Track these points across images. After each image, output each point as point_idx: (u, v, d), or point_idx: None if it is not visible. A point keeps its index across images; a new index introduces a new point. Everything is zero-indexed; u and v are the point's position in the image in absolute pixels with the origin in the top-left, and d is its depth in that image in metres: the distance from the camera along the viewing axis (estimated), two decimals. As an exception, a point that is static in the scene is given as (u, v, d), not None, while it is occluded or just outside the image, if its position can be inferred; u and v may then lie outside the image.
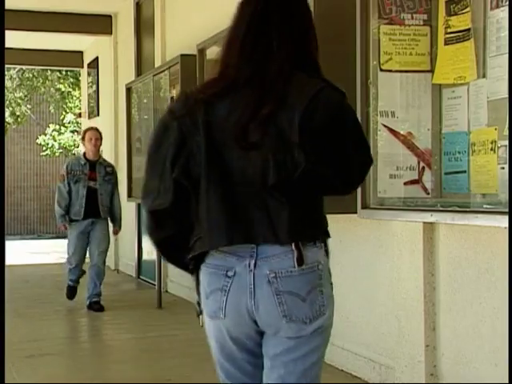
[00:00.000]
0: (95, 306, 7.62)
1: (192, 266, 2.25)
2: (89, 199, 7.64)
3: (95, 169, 7.74)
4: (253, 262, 2.13)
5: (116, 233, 8.15)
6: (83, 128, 15.63)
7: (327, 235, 2.22)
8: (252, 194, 2.13)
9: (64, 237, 22.16)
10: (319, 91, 2.11)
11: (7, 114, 18.96)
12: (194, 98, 2.22)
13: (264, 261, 2.12)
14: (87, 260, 7.91)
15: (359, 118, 3.91)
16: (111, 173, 7.91)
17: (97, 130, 8.01)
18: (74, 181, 7.64)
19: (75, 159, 8.01)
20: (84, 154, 7.87)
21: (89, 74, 14.18)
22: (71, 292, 7.99)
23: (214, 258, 2.18)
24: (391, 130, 3.90)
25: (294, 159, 2.07)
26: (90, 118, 14.17)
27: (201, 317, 2.29)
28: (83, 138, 7.88)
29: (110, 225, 8.01)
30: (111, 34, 11.95)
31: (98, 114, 13.39)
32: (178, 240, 2.24)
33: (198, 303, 2.27)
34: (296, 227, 2.12)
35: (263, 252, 2.12)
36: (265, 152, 2.10)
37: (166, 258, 2.35)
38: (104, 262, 7.83)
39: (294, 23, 2.21)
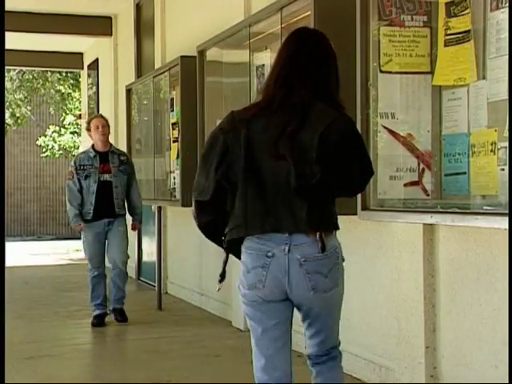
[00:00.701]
0: (119, 317, 7.00)
1: (226, 246, 2.94)
2: (102, 195, 6.84)
3: (108, 159, 6.93)
4: (287, 247, 2.81)
5: (135, 228, 7.37)
6: (83, 129, 15.69)
7: (338, 227, 2.94)
8: (279, 195, 2.81)
9: (68, 238, 22.02)
10: (333, 121, 2.82)
11: (7, 115, 18.94)
12: (239, 117, 2.91)
13: (296, 247, 2.81)
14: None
15: (359, 120, 3.95)
16: (126, 162, 7.08)
17: (102, 116, 7.30)
18: (83, 176, 6.85)
19: (83, 153, 7.12)
20: (93, 145, 7.03)
21: (89, 76, 14.19)
22: (99, 320, 6.95)
23: (254, 242, 2.86)
24: (391, 132, 3.90)
25: (311, 170, 2.78)
26: (90, 119, 14.18)
27: (219, 284, 3.02)
28: (89, 129, 7.04)
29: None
30: (111, 35, 11.96)
31: (98, 116, 13.38)
32: (216, 224, 2.95)
33: (222, 274, 2.99)
34: (313, 221, 2.81)
35: (295, 240, 2.81)
36: (290, 162, 2.78)
37: (206, 237, 3.03)
38: (126, 263, 7.13)
39: (317, 65, 2.90)
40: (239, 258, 2.94)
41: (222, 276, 3.00)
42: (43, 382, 5.02)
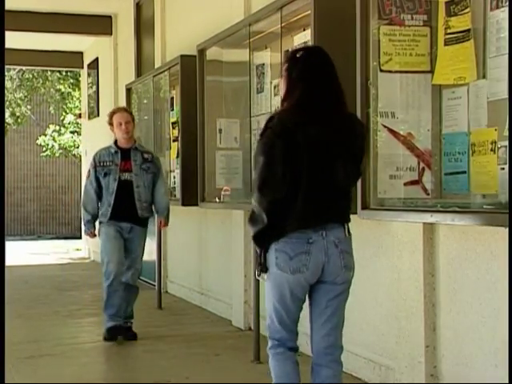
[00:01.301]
0: (128, 333, 6.26)
1: (269, 239, 3.29)
2: (122, 195, 6.16)
3: (129, 157, 6.25)
4: (324, 232, 3.28)
5: (162, 225, 6.64)
6: (83, 128, 15.69)
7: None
8: (330, 192, 3.28)
9: (68, 237, 22.01)
10: (359, 124, 3.42)
11: (7, 114, 18.94)
12: (291, 123, 3.22)
13: (330, 231, 3.30)
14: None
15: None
16: (150, 160, 6.34)
17: (125, 110, 6.63)
18: (103, 174, 6.21)
19: (105, 149, 6.40)
20: (115, 141, 6.36)
21: (89, 75, 14.19)
22: (112, 334, 6.19)
23: (294, 232, 3.25)
24: (391, 131, 3.90)
25: (358, 169, 3.37)
26: (90, 118, 14.18)
27: (263, 274, 3.35)
28: (111, 124, 6.34)
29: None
30: (111, 34, 11.96)
31: (98, 115, 13.39)
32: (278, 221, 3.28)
33: (264, 264, 3.32)
34: (346, 213, 3.41)
35: (328, 226, 3.30)
36: (341, 163, 3.25)
37: (260, 234, 3.31)
38: (136, 279, 6.40)
39: (333, 76, 3.35)
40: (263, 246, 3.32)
41: (264, 266, 3.32)
42: (43, 381, 5.02)
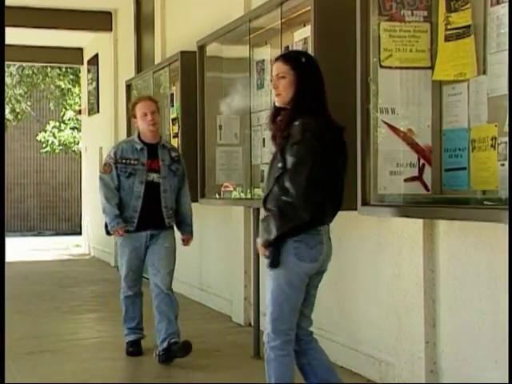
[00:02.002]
0: (179, 353, 5.25)
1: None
2: (148, 200, 5.33)
3: (157, 155, 5.39)
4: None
5: (187, 242, 5.64)
6: (83, 124, 15.68)
7: None
8: (338, 187, 3.55)
9: (68, 233, 22.05)
10: None
11: (7, 110, 18.95)
12: (323, 127, 3.43)
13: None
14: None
15: (359, 115, 3.96)
16: (178, 160, 5.50)
17: (150, 98, 5.63)
18: (126, 174, 5.34)
19: (127, 142, 5.53)
20: (139, 134, 5.46)
21: (89, 71, 14.18)
22: (135, 348, 5.60)
23: (316, 226, 3.51)
24: (391, 127, 3.90)
25: (345, 167, 3.64)
26: (90, 114, 14.18)
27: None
28: (134, 115, 5.46)
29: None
30: (111, 30, 11.95)
31: (98, 111, 13.39)
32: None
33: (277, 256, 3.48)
34: None
35: None
36: (341, 161, 3.56)
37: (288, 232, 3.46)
38: (170, 286, 5.46)
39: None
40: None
41: (279, 259, 3.47)
42: (43, 378, 5.03)
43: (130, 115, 5.68)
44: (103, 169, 5.47)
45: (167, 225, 5.42)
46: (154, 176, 5.35)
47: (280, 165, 3.43)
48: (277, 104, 3.58)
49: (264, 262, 5.28)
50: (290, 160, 3.38)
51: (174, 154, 5.50)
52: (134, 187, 5.32)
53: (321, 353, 3.70)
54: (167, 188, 5.38)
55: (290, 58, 3.58)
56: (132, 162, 5.35)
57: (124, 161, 5.35)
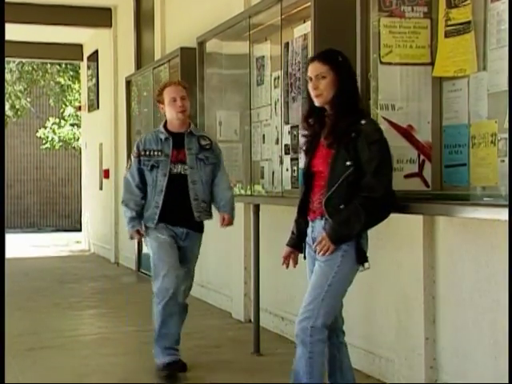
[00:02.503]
0: (175, 365, 4.84)
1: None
2: (174, 194, 4.86)
3: (183, 144, 4.93)
4: None
5: (226, 222, 5.08)
6: (83, 120, 15.66)
7: None
8: None
9: (68, 229, 22.04)
10: None
11: (7, 107, 18.93)
12: None
13: None
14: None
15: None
16: (208, 148, 5.01)
17: (180, 83, 5.08)
18: (149, 166, 4.90)
19: (151, 133, 5.08)
20: (165, 124, 5.02)
21: (88, 67, 14.17)
22: (172, 371, 4.84)
23: None
24: (391, 123, 3.89)
25: None
26: (89, 111, 14.17)
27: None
28: (160, 101, 4.98)
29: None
30: (111, 26, 11.94)
31: (98, 107, 13.39)
32: None
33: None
34: None
35: None
36: None
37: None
38: (187, 295, 5.09)
39: None
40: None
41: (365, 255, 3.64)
42: (44, 374, 5.03)
43: (155, 101, 5.18)
44: (127, 166, 5.12)
45: (197, 219, 4.92)
46: (181, 168, 4.89)
47: (348, 163, 3.45)
48: (316, 104, 3.60)
49: (265, 259, 5.27)
50: (370, 157, 3.42)
51: (203, 142, 4.99)
52: (157, 181, 4.86)
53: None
54: (196, 179, 4.89)
55: (328, 57, 3.60)
56: (155, 153, 4.90)
57: (147, 152, 4.92)
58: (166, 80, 5.30)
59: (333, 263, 3.51)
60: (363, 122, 3.47)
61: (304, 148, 3.77)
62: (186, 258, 4.97)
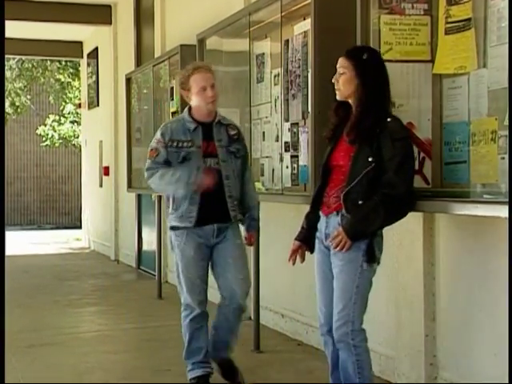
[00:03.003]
0: (226, 372, 4.51)
1: None
2: (208, 190, 4.31)
3: (212, 135, 4.42)
4: None
5: (251, 241, 4.67)
6: (83, 118, 15.65)
7: None
8: None
9: (68, 227, 22.02)
10: None
11: (7, 104, 18.92)
12: None
13: None
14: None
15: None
16: (238, 138, 4.52)
17: (208, 68, 4.54)
18: (179, 158, 4.34)
19: (176, 122, 4.51)
20: (189, 110, 4.47)
21: (88, 65, 14.17)
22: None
23: None
24: (391, 120, 3.89)
25: None
26: (89, 108, 14.17)
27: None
28: (186, 88, 4.43)
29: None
30: (111, 24, 11.94)
31: (98, 105, 13.38)
32: None
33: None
34: None
35: None
36: None
37: None
38: (247, 296, 4.58)
39: None
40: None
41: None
42: (43, 372, 5.04)
43: (181, 88, 4.52)
44: (149, 155, 4.44)
45: (232, 217, 4.41)
46: (211, 161, 4.36)
47: (370, 159, 3.45)
48: (337, 98, 3.64)
49: (265, 257, 5.25)
50: (394, 154, 3.43)
51: (232, 132, 4.48)
52: (190, 175, 4.30)
53: None
54: (229, 174, 4.38)
55: (352, 54, 3.62)
56: (184, 144, 4.35)
57: (175, 143, 4.35)
58: (192, 64, 4.58)
59: (356, 264, 3.52)
60: (389, 119, 3.50)
61: (329, 135, 3.73)
62: (230, 249, 4.41)
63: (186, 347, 4.48)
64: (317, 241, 3.71)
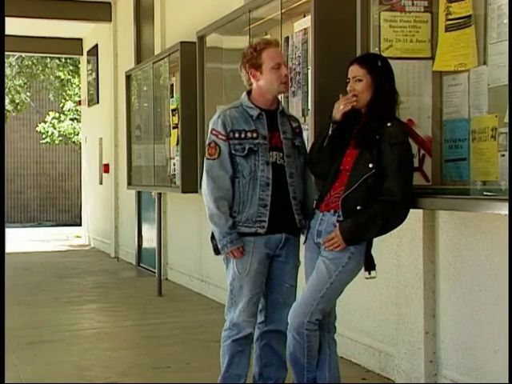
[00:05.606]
0: None
1: None
2: (275, 189, 3.69)
3: (276, 125, 3.77)
4: None
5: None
6: (83, 115, 15.65)
7: None
8: None
9: (68, 224, 22.05)
10: None
11: (7, 101, 18.91)
12: None
13: None
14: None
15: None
16: (299, 131, 3.92)
17: (279, 44, 4.04)
18: (243, 152, 3.68)
19: (235, 108, 3.82)
20: (249, 93, 3.87)
21: (88, 62, 14.16)
22: None
23: None
24: (391, 118, 3.89)
25: None
26: (89, 105, 14.17)
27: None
28: (256, 64, 3.77)
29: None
30: (111, 21, 11.93)
31: (98, 102, 13.38)
32: None
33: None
34: None
35: None
36: None
37: None
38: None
39: None
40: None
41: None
42: (44, 368, 5.04)
43: (243, 65, 3.86)
44: (208, 153, 3.74)
45: (298, 224, 3.77)
46: (276, 156, 3.72)
47: (371, 165, 3.45)
48: (356, 106, 3.59)
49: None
50: (392, 159, 3.42)
51: (294, 125, 3.88)
52: (257, 171, 3.67)
53: None
54: (293, 171, 3.77)
55: (366, 61, 3.62)
56: (248, 134, 3.69)
57: (237, 134, 3.69)
58: (260, 39, 4.02)
59: (338, 262, 3.51)
60: (389, 124, 3.48)
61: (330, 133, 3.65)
62: (283, 272, 3.81)
63: (222, 372, 3.86)
64: (309, 236, 3.72)
